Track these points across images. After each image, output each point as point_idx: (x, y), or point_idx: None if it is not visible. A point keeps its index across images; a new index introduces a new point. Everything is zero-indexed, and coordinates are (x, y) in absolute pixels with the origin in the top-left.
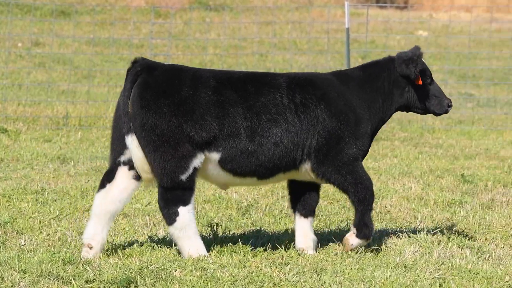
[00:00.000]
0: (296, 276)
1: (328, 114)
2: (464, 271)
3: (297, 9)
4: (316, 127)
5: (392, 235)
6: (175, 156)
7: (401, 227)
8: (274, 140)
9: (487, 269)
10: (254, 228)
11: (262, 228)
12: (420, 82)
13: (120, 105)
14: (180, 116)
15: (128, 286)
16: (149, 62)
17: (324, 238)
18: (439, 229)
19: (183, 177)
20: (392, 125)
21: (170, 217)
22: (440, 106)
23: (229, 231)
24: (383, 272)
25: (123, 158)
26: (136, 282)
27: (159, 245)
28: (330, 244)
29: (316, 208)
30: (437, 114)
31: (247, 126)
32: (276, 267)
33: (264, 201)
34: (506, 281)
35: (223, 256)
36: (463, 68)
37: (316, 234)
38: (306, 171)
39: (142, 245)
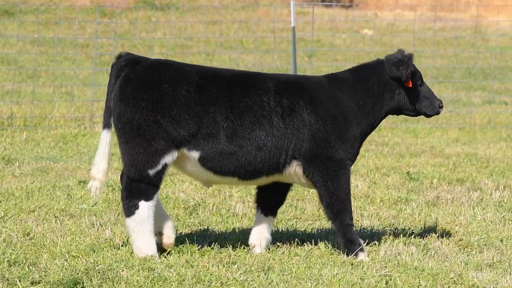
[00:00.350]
0: (244, 275)
1: (314, 118)
2: (410, 268)
3: (243, 8)
4: (302, 131)
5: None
6: (147, 151)
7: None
8: (256, 143)
9: (432, 266)
10: (201, 227)
11: (210, 228)
12: (411, 85)
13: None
14: (158, 111)
15: (75, 287)
16: (133, 56)
17: (272, 237)
18: (385, 226)
19: (151, 172)
20: None
21: (130, 209)
22: (432, 107)
23: (176, 230)
24: (330, 270)
25: None
26: (83, 282)
27: (105, 246)
28: (278, 243)
29: (278, 211)
30: (428, 116)
31: (228, 127)
32: (224, 266)
33: (211, 201)
34: (451, 278)
35: (170, 255)
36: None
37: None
38: (290, 175)
39: (88, 246)
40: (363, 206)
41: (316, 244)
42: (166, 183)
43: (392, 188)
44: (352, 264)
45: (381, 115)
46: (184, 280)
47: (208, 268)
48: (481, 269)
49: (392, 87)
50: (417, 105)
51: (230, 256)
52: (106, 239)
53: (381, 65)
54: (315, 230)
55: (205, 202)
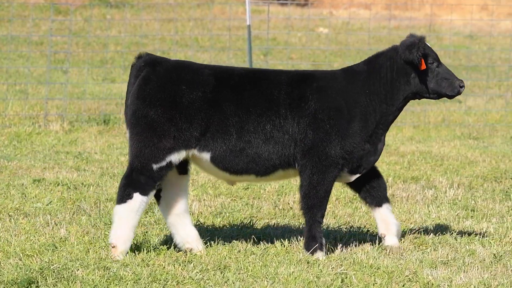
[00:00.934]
0: (200, 274)
1: (319, 110)
2: (365, 266)
3: (199, 6)
4: (305, 120)
5: (295, 231)
6: (156, 145)
7: (304, 224)
8: (265, 137)
9: (388, 264)
10: (157, 226)
11: (165, 226)
12: (424, 67)
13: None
14: (173, 111)
15: (29, 287)
16: (153, 57)
17: (227, 235)
18: (341, 225)
19: (155, 166)
20: None
21: (123, 197)
22: (452, 88)
23: None
24: (286, 268)
25: None
26: (37, 282)
27: (60, 245)
28: (234, 241)
29: (383, 192)
30: (450, 97)
31: (237, 125)
32: (180, 265)
33: None
34: (406, 276)
35: (126, 254)
36: None
37: (219, 231)
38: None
39: (43, 245)
40: None
41: (272, 242)
42: None
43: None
44: (308, 262)
45: (398, 101)
46: (139, 279)
47: (164, 267)
48: (435, 267)
49: (407, 71)
50: (436, 87)
51: (186, 254)
52: (61, 238)
53: (395, 51)
54: (271, 229)
55: None
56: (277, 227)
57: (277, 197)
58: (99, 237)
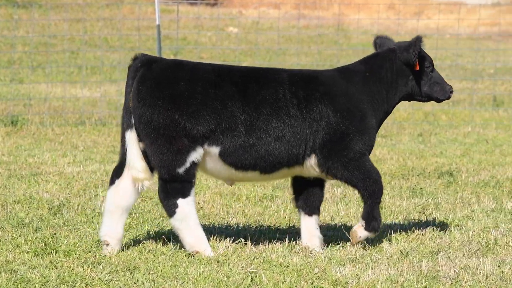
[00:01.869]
0: (109, 275)
1: (332, 110)
2: (275, 265)
3: (108, 6)
4: (319, 123)
5: (205, 231)
6: (171, 150)
7: (214, 223)
8: (275, 134)
9: (297, 262)
10: (66, 227)
11: (74, 228)
12: (417, 68)
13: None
14: (175, 110)
15: None
16: (149, 57)
17: (137, 236)
18: (251, 224)
19: (180, 170)
20: None
21: (170, 209)
22: (443, 92)
23: (41, 231)
24: (196, 268)
25: None
26: None
27: None
28: (144, 242)
29: (321, 206)
30: (439, 101)
31: (246, 120)
32: (89, 267)
33: (76, 200)
34: (315, 273)
35: (33, 257)
36: (273, 64)
37: (129, 232)
38: (311, 166)
39: None
40: (229, 204)
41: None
42: (30, 183)
43: (257, 185)
44: (218, 262)
45: (395, 102)
46: (48, 282)
47: (72, 269)
48: (344, 264)
49: (405, 73)
50: (429, 90)
51: (96, 256)
52: None
53: (393, 52)
54: None
55: (70, 202)
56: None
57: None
58: (6, 239)
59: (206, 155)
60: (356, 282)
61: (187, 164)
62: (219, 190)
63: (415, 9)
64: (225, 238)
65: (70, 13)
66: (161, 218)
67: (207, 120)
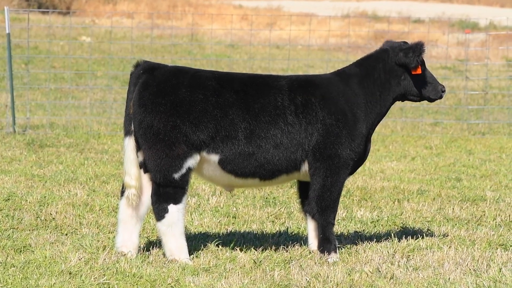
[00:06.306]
0: None
1: (327, 113)
2: (128, 275)
3: None
4: (314, 126)
5: (57, 242)
6: (169, 155)
7: (66, 234)
8: (273, 141)
9: (150, 272)
10: None
11: None
12: (420, 71)
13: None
14: (176, 116)
15: None
16: (151, 63)
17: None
18: (105, 233)
19: (176, 175)
20: (58, 132)
21: (160, 213)
22: (435, 92)
23: None
24: (48, 280)
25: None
26: None
27: None
28: None
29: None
30: (432, 100)
31: (245, 128)
32: None
33: None
34: (169, 283)
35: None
36: (127, 73)
37: None
38: (306, 172)
39: None
40: (82, 215)
41: (33, 253)
42: None
43: (111, 195)
44: (70, 273)
45: (389, 102)
46: None
47: None
48: (197, 274)
49: (397, 73)
50: (422, 90)
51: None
52: None
53: (385, 53)
54: (33, 240)
55: None
56: (38, 238)
57: (39, 207)
58: None
59: (205, 163)
60: None
61: (183, 170)
62: (72, 200)
63: (268, 20)
64: (78, 249)
65: None
66: (12, 229)
67: (208, 127)
